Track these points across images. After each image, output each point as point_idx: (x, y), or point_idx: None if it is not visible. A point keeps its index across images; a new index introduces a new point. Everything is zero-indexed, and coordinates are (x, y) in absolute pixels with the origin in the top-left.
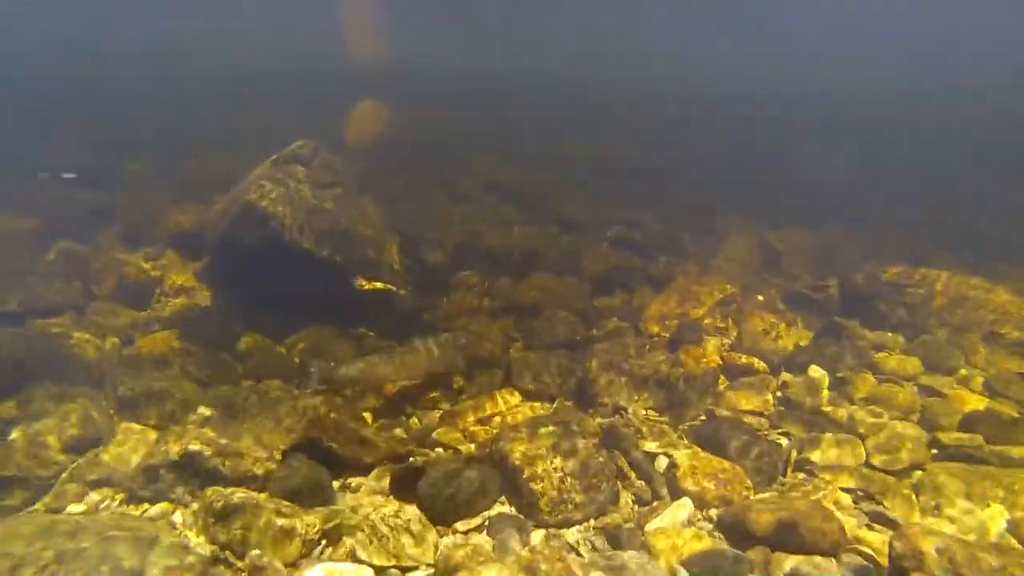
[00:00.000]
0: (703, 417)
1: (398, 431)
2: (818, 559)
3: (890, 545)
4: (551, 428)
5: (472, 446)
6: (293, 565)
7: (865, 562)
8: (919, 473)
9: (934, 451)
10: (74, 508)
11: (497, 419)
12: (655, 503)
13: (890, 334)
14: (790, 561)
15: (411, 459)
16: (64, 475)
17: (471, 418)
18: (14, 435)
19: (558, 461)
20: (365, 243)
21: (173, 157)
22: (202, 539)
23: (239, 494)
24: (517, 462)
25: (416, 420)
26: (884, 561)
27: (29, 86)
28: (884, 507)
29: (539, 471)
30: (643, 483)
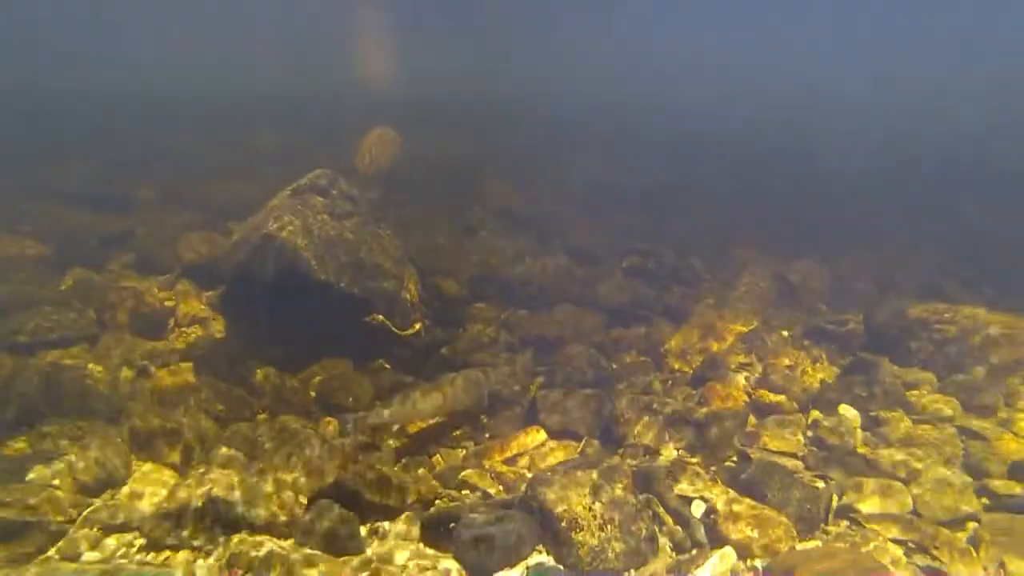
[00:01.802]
0: (735, 458)
1: (422, 471)
2: None
3: None
4: (587, 472)
5: (500, 487)
6: None
7: None
8: (973, 525)
9: (985, 500)
10: (90, 555)
11: (524, 459)
12: (694, 551)
13: (922, 372)
14: None
15: (437, 502)
16: (79, 519)
17: (497, 458)
18: (30, 476)
19: (596, 507)
20: (383, 275)
21: (184, 182)
22: None
23: (267, 544)
24: (555, 509)
25: (440, 459)
26: None
27: (38, 111)
28: (942, 562)
29: (578, 518)
30: (680, 529)
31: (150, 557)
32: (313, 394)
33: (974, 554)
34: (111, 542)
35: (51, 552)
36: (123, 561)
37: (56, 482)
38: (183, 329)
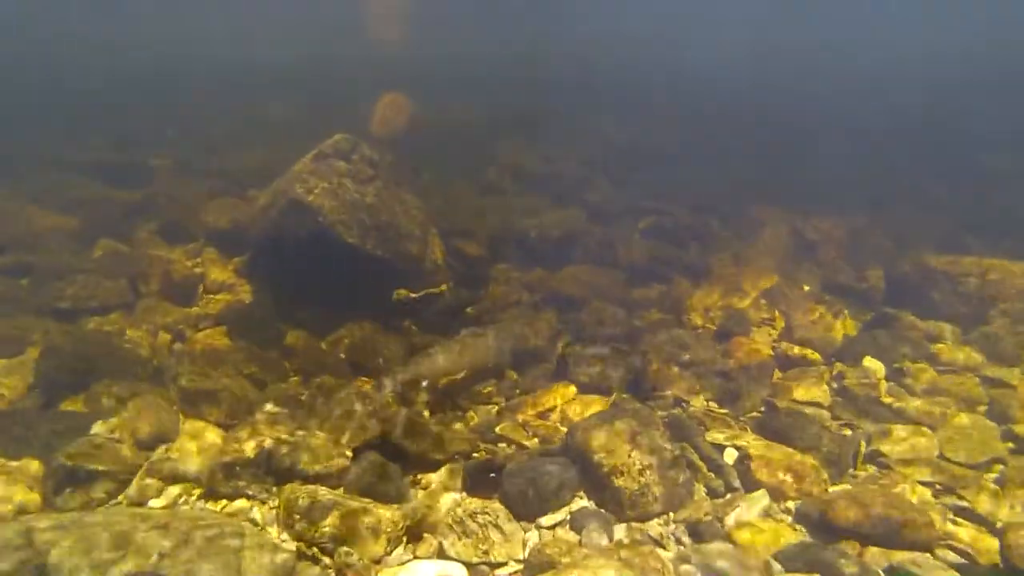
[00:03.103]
0: (763, 408)
1: (459, 427)
2: (917, 555)
3: (1003, 545)
4: (624, 421)
5: (535, 440)
6: (378, 562)
7: (961, 558)
8: (1000, 467)
9: (1011, 444)
10: (155, 503)
11: (556, 413)
12: (729, 495)
13: (945, 324)
14: (884, 555)
15: (475, 455)
16: (141, 471)
17: (530, 412)
18: (93, 430)
19: (636, 454)
20: (408, 237)
21: (197, 152)
22: (285, 536)
23: (323, 491)
24: (597, 456)
25: (473, 415)
26: (982, 558)
27: (47, 84)
28: (968, 501)
29: (619, 465)
30: (714, 475)
31: (209, 504)
32: (343, 356)
33: (1001, 493)
34: (172, 491)
35: (120, 498)
36: (186, 508)
37: (116, 435)
38: (213, 296)
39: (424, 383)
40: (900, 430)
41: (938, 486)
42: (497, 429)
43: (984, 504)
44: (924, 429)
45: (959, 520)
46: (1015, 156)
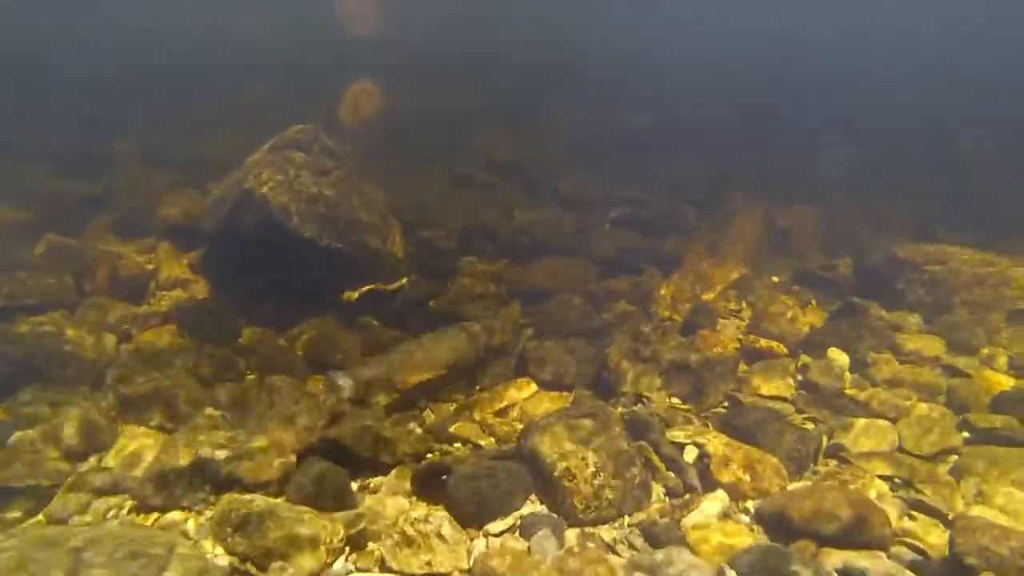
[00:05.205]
0: (726, 404)
1: (413, 426)
2: (869, 554)
3: (951, 541)
4: (579, 421)
5: (492, 439)
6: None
7: (916, 555)
8: (954, 458)
9: (966, 434)
10: (79, 518)
11: (515, 411)
12: (687, 496)
13: (909, 314)
14: (839, 556)
15: (428, 456)
16: (66, 483)
17: (488, 410)
18: (11, 441)
19: (589, 456)
20: (368, 230)
21: (161, 142)
22: (220, 550)
23: (257, 502)
24: (548, 458)
25: (430, 414)
26: (934, 554)
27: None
28: (924, 495)
29: (571, 467)
30: (673, 475)
31: (140, 518)
32: (300, 352)
33: (955, 484)
34: (100, 505)
35: (40, 516)
36: (113, 523)
37: (40, 447)
38: (165, 292)
39: (385, 383)
40: (861, 423)
41: (896, 480)
42: (453, 429)
43: (939, 497)
44: (884, 422)
45: (915, 514)
46: (990, 143)
